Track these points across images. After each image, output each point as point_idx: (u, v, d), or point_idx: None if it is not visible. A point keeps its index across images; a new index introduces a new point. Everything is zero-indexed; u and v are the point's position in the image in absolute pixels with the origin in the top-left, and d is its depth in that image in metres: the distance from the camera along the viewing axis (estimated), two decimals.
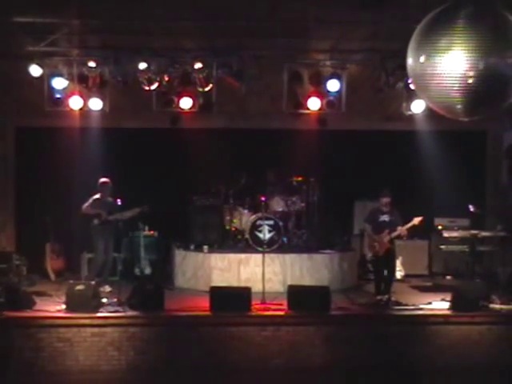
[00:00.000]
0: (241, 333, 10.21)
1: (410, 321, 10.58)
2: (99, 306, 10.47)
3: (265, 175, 13.26)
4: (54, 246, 13.26)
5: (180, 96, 12.15)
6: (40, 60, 11.81)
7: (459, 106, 5.87)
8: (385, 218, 11.28)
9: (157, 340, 10.12)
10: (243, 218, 13.03)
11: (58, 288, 11.59)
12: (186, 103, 12.19)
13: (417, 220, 11.16)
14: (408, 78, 10.81)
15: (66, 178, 13.11)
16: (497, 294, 11.06)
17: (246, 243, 12.73)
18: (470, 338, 10.43)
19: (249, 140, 13.63)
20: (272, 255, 12.16)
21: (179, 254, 12.77)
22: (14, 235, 13.57)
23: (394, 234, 11.22)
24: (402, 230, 11.21)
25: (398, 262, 13.11)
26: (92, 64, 11.84)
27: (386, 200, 11.25)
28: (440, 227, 13.04)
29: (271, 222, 12.61)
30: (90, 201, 11.82)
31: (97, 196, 11.88)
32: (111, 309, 10.43)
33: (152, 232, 13.27)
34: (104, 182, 11.92)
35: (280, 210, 13.08)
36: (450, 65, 5.71)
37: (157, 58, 11.71)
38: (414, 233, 12.38)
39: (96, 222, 11.77)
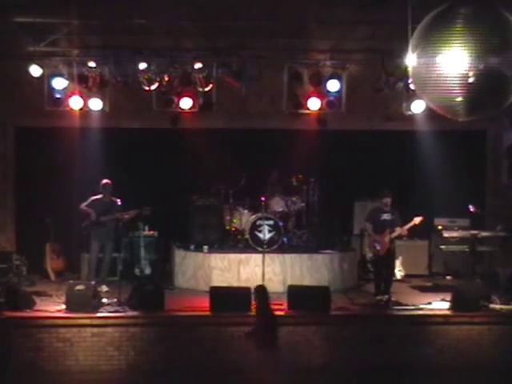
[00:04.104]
0: (241, 333, 10.19)
1: (409, 321, 10.59)
2: (99, 305, 10.47)
3: (269, 174, 13.28)
4: (54, 246, 13.26)
5: (180, 96, 12.14)
6: (40, 60, 11.81)
7: (459, 107, 5.86)
8: (386, 217, 11.30)
9: (157, 340, 10.13)
10: (243, 218, 13.03)
11: (58, 288, 11.59)
12: (185, 103, 12.19)
13: (417, 220, 11.19)
14: (408, 78, 10.81)
15: (65, 178, 13.11)
16: (497, 294, 11.07)
17: (246, 243, 12.72)
18: (470, 338, 10.44)
19: (249, 140, 13.64)
20: (272, 255, 12.17)
21: (179, 254, 12.77)
22: (14, 235, 13.56)
23: (395, 234, 11.24)
24: (401, 230, 11.24)
25: (398, 262, 13.12)
26: (92, 64, 11.84)
27: (387, 199, 11.27)
28: (440, 227, 13.02)
29: (271, 222, 12.61)
30: (89, 200, 11.85)
31: (96, 196, 11.89)
32: (111, 309, 10.44)
33: (152, 232, 13.24)
34: (104, 183, 11.93)
35: (280, 210, 13.09)
36: (450, 65, 5.71)
37: (157, 57, 11.70)
38: (413, 233, 12.40)
39: (86, 222, 11.79)
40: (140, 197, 12.40)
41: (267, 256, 11.67)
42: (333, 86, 12.35)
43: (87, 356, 9.99)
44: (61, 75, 11.99)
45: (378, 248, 11.25)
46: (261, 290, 8.32)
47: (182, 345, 10.11)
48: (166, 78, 11.82)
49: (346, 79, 12.40)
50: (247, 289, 10.68)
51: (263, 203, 12.71)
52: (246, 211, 13.10)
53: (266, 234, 12.53)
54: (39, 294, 11.37)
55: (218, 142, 13.36)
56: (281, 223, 12.69)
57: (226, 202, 13.18)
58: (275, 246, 12.53)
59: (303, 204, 13.29)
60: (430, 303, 11.00)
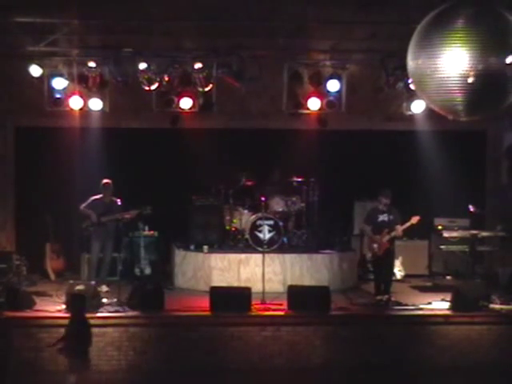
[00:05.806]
0: (241, 333, 10.22)
1: (409, 321, 10.58)
2: (99, 305, 10.47)
3: (269, 174, 13.27)
4: (54, 246, 13.25)
5: (180, 96, 12.14)
6: (40, 60, 11.82)
7: (459, 107, 5.86)
8: (384, 217, 11.27)
9: (157, 340, 10.13)
10: (243, 218, 13.02)
11: (58, 288, 11.59)
12: (185, 103, 12.19)
13: (414, 219, 11.18)
14: (408, 78, 10.81)
15: (65, 178, 13.11)
16: (497, 294, 11.07)
17: (246, 243, 12.72)
18: (470, 338, 10.43)
19: (249, 140, 13.63)
20: (272, 255, 12.16)
21: (179, 254, 12.76)
22: (14, 235, 13.55)
23: (392, 233, 11.23)
24: (398, 230, 11.23)
25: (398, 262, 13.13)
26: (92, 64, 11.84)
27: (385, 200, 11.25)
28: (440, 227, 13.01)
29: (271, 222, 12.60)
30: (89, 201, 11.83)
31: (96, 196, 11.87)
32: (111, 309, 10.43)
33: (152, 232, 13.26)
34: (104, 183, 11.92)
35: (280, 210, 13.08)
36: (450, 65, 5.71)
37: (157, 58, 11.71)
38: (414, 233, 12.39)
39: (86, 223, 11.78)
40: (140, 197, 12.39)
41: (267, 256, 11.67)
42: (333, 85, 12.36)
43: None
44: (61, 75, 12.00)
45: (376, 249, 11.24)
46: (78, 299, 8.14)
47: (181, 345, 10.10)
48: (166, 78, 11.82)
49: (345, 79, 12.41)
50: (247, 289, 10.69)
51: (263, 203, 12.71)
52: (246, 211, 13.09)
53: (265, 234, 12.53)
54: (39, 293, 11.36)
55: (218, 142, 13.36)
56: (281, 223, 12.69)
57: (225, 202, 13.17)
58: (275, 246, 12.52)
59: (303, 204, 13.28)
60: (430, 303, 11.00)
